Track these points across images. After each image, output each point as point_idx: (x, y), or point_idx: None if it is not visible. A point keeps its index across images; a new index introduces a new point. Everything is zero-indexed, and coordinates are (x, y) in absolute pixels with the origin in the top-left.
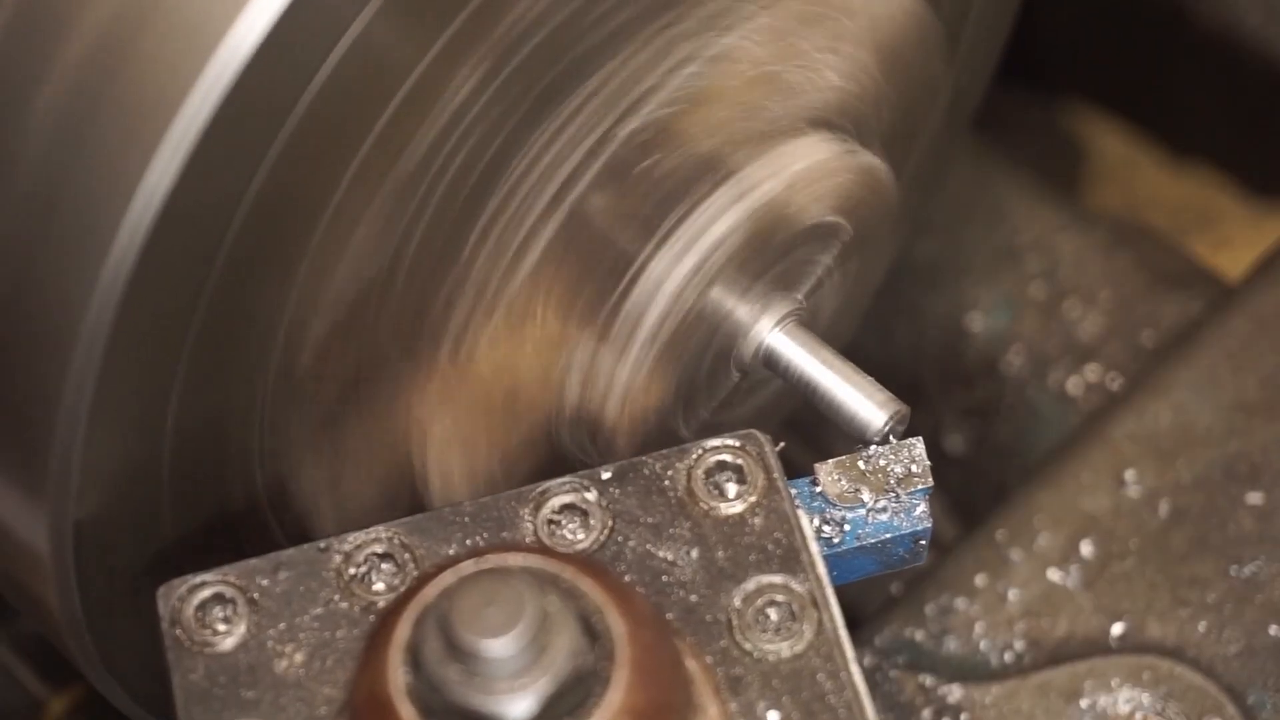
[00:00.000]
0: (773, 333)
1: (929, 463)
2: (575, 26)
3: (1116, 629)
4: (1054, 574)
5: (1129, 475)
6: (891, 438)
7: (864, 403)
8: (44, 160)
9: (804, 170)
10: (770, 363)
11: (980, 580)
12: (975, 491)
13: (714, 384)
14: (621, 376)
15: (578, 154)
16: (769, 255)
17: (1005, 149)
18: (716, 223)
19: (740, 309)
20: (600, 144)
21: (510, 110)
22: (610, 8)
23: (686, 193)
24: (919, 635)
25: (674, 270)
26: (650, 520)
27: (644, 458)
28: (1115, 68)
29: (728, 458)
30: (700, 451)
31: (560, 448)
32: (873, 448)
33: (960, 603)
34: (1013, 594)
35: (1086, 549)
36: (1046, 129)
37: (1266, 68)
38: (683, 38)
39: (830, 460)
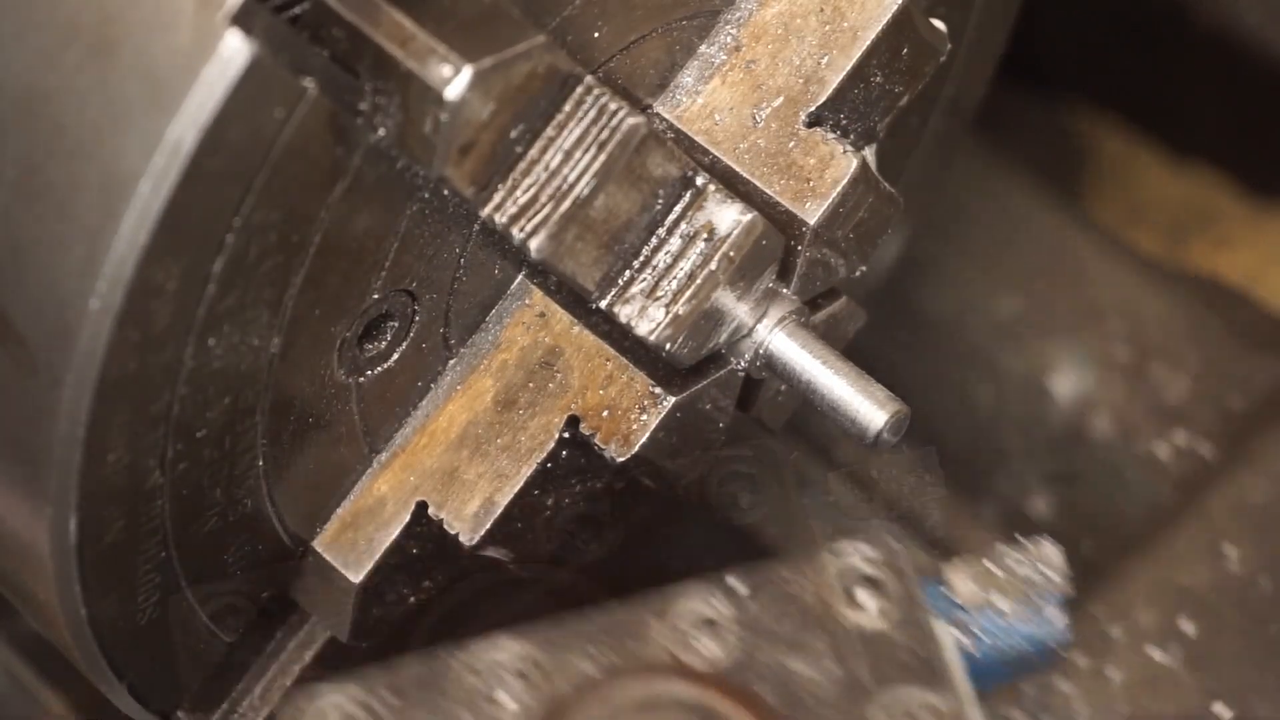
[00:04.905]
0: (773, 333)
1: (1066, 568)
2: None
3: (1221, 709)
4: (1154, 652)
5: (1227, 548)
6: (1029, 547)
7: (864, 403)
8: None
9: (800, 170)
10: (770, 363)
11: (1079, 658)
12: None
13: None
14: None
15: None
16: (768, 256)
17: (1007, 149)
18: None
19: (740, 310)
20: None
21: None
22: None
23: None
24: (1016, 715)
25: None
26: (784, 632)
27: (774, 565)
28: (1115, 68)
29: (863, 566)
30: (834, 559)
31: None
32: (1002, 548)
33: (1059, 682)
34: (1113, 673)
35: (1186, 625)
36: (1046, 129)
37: (1266, 68)
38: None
39: (959, 560)
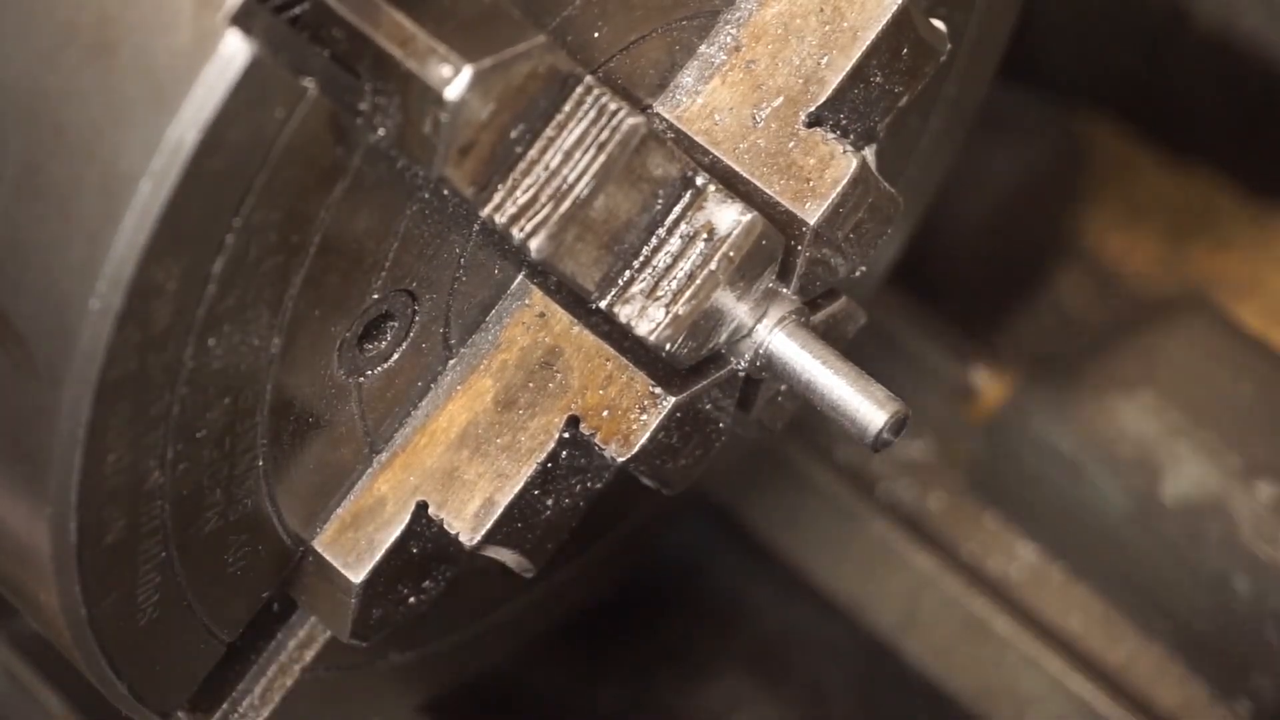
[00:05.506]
0: (773, 333)
1: None
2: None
3: None
4: None
5: None
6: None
7: (864, 403)
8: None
9: (800, 170)
10: (770, 363)
11: None
12: None
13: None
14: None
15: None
16: (768, 256)
17: (1006, 149)
18: (718, 224)
19: (740, 310)
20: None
21: None
22: None
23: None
24: None
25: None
26: None
27: None
28: (1115, 68)
29: None
30: None
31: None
32: None
33: None
34: None
35: None
36: (1046, 129)
37: (1266, 68)
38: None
39: None
